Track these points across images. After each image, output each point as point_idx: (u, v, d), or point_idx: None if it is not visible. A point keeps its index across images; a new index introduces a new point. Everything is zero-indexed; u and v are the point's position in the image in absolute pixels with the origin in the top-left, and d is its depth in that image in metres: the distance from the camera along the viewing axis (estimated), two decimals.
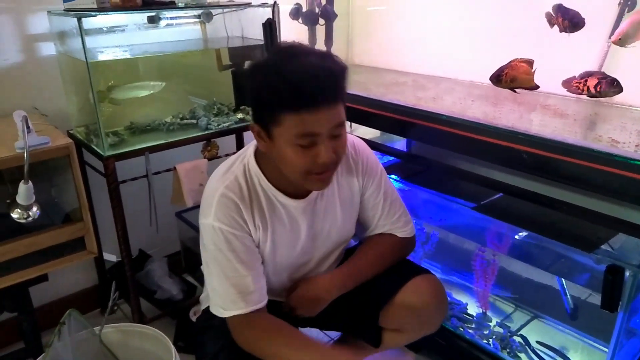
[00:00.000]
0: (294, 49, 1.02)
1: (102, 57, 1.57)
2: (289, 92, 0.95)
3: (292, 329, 1.10)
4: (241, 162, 1.13)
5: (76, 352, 1.22)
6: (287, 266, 1.23)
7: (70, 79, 1.59)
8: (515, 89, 1.30)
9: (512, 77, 1.28)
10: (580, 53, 1.34)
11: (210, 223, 1.07)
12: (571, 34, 1.30)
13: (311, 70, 0.96)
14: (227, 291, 1.08)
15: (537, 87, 1.28)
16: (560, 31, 1.26)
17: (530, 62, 1.28)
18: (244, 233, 1.09)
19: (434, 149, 1.59)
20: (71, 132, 1.64)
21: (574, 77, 1.28)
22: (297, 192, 1.15)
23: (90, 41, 1.40)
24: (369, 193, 1.27)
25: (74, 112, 1.65)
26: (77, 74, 1.48)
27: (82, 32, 1.34)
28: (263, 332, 1.09)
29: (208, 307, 1.23)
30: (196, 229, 1.82)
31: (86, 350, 1.26)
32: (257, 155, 1.13)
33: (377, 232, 1.30)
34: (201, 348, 1.20)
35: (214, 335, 1.16)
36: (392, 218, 1.29)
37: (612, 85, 1.21)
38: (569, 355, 1.47)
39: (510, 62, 1.31)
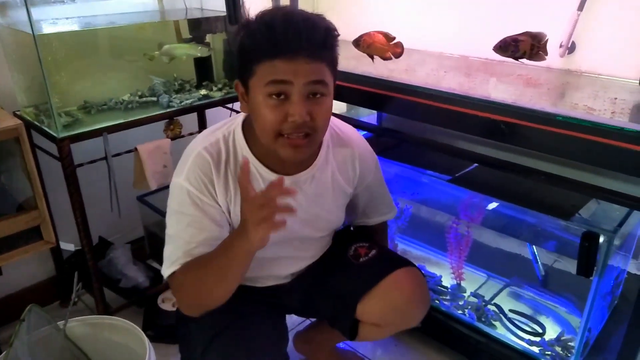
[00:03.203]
0: (285, 7, 0.98)
1: (49, 30, 1.43)
2: (265, 39, 0.90)
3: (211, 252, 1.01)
4: (227, 128, 1.08)
5: (39, 350, 1.14)
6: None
7: (15, 55, 1.45)
8: (372, 57, 1.43)
9: (368, 44, 1.40)
10: (550, 23, 1.34)
11: (180, 182, 1.03)
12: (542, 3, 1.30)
13: (291, 18, 0.91)
14: (177, 249, 1.02)
15: (390, 58, 1.40)
16: None
17: (387, 35, 1.39)
18: (210, 200, 1.03)
19: (405, 122, 1.56)
20: (18, 112, 1.51)
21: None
22: (285, 170, 1.07)
23: (35, 12, 1.27)
24: (367, 183, 1.24)
25: (20, 91, 1.52)
26: (22, 49, 1.35)
27: (28, 2, 1.22)
28: (195, 268, 1.00)
29: None
30: (161, 213, 1.74)
31: (50, 347, 1.18)
32: (245, 124, 1.08)
33: (370, 219, 1.32)
34: (186, 339, 1.14)
35: (201, 324, 1.09)
36: (384, 206, 1.32)
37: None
38: (542, 322, 1.50)
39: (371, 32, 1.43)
